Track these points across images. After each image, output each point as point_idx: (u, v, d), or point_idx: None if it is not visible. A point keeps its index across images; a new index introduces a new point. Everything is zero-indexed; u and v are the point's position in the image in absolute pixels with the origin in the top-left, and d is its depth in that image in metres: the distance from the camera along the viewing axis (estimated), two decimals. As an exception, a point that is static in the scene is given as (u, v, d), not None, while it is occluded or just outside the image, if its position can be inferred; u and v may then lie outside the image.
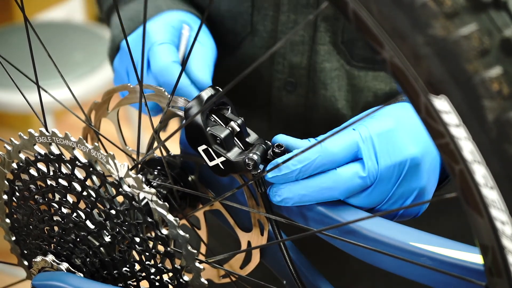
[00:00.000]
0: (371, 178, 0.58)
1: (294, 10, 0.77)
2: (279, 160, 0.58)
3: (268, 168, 0.59)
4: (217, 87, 0.61)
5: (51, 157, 0.60)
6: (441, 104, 0.37)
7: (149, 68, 0.72)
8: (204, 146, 0.59)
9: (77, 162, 0.58)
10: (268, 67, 0.82)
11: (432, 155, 0.60)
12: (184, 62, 0.53)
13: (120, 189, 0.57)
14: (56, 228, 0.64)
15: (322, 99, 0.81)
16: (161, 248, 0.59)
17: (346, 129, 0.59)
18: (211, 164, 0.60)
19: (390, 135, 0.59)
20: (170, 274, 0.60)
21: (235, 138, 0.60)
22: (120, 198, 0.59)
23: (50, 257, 0.65)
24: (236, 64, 0.84)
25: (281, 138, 0.61)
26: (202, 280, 0.58)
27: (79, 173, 0.60)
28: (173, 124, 0.69)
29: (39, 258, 0.65)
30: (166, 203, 0.56)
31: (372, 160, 0.58)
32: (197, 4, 0.84)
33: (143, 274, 0.61)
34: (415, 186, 0.59)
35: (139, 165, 0.64)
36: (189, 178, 0.68)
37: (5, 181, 0.64)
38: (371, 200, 0.59)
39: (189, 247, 0.57)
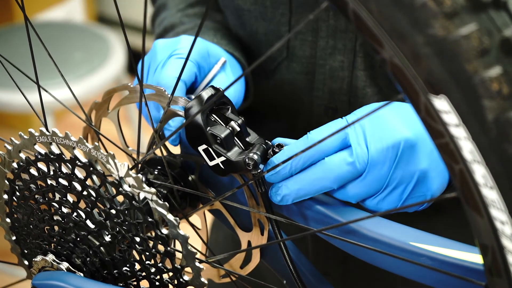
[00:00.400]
0: (360, 163, 0.58)
1: (333, 35, 0.76)
2: (274, 160, 0.59)
3: (266, 169, 0.59)
4: (218, 87, 0.61)
5: (52, 156, 0.60)
6: (441, 104, 0.37)
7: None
8: (204, 146, 0.60)
9: (77, 161, 0.58)
10: (308, 93, 0.81)
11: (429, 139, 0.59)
12: (182, 69, 0.53)
13: (120, 189, 0.57)
14: (56, 228, 0.64)
15: None
16: (161, 247, 0.59)
17: (336, 120, 0.60)
18: (211, 163, 0.60)
19: (381, 120, 0.59)
20: (170, 273, 0.60)
21: (235, 137, 0.60)
22: (120, 198, 0.59)
23: (50, 257, 0.65)
24: (273, 88, 0.83)
25: (280, 140, 0.61)
26: (202, 279, 0.58)
27: (79, 173, 0.60)
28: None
29: (39, 258, 0.65)
30: (166, 203, 0.57)
31: (361, 145, 0.58)
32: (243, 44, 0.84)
33: (143, 273, 0.61)
34: (414, 169, 0.58)
35: (139, 165, 0.64)
36: (190, 178, 0.68)
37: (6, 181, 0.64)
38: (368, 187, 0.59)
39: (189, 247, 0.57)
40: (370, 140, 0.58)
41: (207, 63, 0.74)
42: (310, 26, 0.77)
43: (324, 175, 0.58)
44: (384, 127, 0.59)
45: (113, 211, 0.59)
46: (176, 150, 0.70)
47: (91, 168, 0.58)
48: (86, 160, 0.58)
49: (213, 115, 0.60)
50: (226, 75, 0.75)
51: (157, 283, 0.61)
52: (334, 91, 0.79)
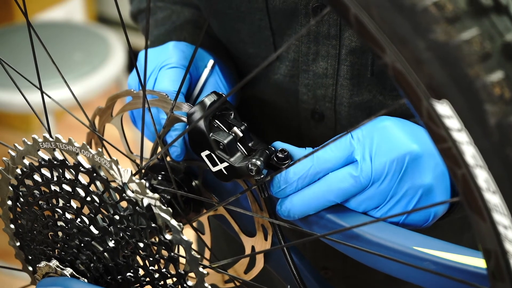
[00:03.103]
0: (365, 177, 0.58)
1: (315, 41, 0.74)
2: (280, 177, 0.59)
3: (272, 187, 0.60)
4: (220, 93, 0.61)
5: (55, 162, 0.60)
6: (443, 108, 0.37)
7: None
8: (207, 152, 0.60)
9: (80, 167, 0.59)
10: (293, 95, 0.79)
11: (434, 155, 0.58)
12: (182, 81, 0.53)
13: (124, 195, 0.57)
14: (60, 234, 0.64)
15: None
16: (165, 253, 0.59)
17: (341, 134, 0.60)
18: (214, 169, 0.60)
19: (386, 133, 0.59)
20: (174, 279, 0.60)
21: (238, 143, 0.60)
22: (124, 204, 0.59)
23: (54, 263, 0.65)
24: (262, 87, 0.82)
25: (280, 145, 0.61)
26: (206, 285, 0.58)
27: (83, 179, 0.60)
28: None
29: (43, 264, 0.65)
30: (169, 208, 0.57)
31: (366, 159, 0.58)
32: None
33: (147, 279, 0.61)
34: (418, 184, 0.58)
35: (143, 171, 0.64)
36: (193, 183, 0.68)
37: (9, 187, 0.64)
38: (371, 200, 0.59)
39: (193, 252, 0.57)
40: (375, 155, 0.58)
41: (195, 67, 0.73)
42: (294, 30, 0.75)
43: (328, 189, 0.58)
44: (390, 141, 0.58)
45: (117, 217, 0.59)
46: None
47: (95, 174, 0.58)
48: (90, 166, 0.58)
49: (216, 120, 0.60)
50: (218, 78, 0.74)
51: (161, 288, 0.61)
52: (319, 97, 0.77)
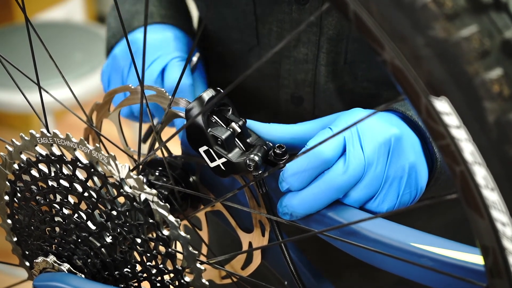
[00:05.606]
0: (359, 165, 0.59)
1: (296, 28, 0.76)
2: (285, 172, 0.60)
3: (280, 185, 0.60)
4: (218, 88, 0.61)
5: (53, 158, 0.60)
6: (442, 105, 0.37)
7: (163, 78, 0.75)
8: (205, 147, 0.60)
9: (78, 163, 0.59)
10: (275, 80, 0.82)
11: (410, 135, 0.62)
12: (186, 62, 0.53)
13: (121, 190, 0.57)
14: (57, 229, 0.64)
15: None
16: (162, 249, 0.59)
17: (325, 130, 0.61)
18: (212, 165, 0.60)
19: (366, 122, 0.60)
20: (171, 274, 0.60)
21: (236, 139, 0.60)
22: (121, 199, 0.59)
23: (51, 258, 0.65)
24: (243, 71, 0.84)
25: (249, 123, 0.63)
26: (203, 281, 0.58)
27: (81, 174, 0.60)
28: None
29: (40, 259, 0.65)
30: (167, 204, 0.57)
31: (356, 147, 0.59)
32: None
33: (144, 274, 0.61)
34: (404, 162, 0.60)
35: (140, 166, 0.64)
36: (191, 179, 0.68)
37: (7, 182, 0.64)
38: (369, 188, 0.60)
39: (190, 248, 0.57)
40: (364, 142, 0.59)
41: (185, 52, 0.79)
42: (276, 17, 0.77)
43: (327, 188, 0.59)
44: (372, 128, 0.60)
45: (114, 213, 0.59)
46: (177, 151, 0.70)
47: (92, 170, 0.58)
48: (87, 162, 0.58)
49: (214, 116, 0.60)
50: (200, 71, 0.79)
51: (158, 284, 0.61)
52: (299, 82, 0.80)
